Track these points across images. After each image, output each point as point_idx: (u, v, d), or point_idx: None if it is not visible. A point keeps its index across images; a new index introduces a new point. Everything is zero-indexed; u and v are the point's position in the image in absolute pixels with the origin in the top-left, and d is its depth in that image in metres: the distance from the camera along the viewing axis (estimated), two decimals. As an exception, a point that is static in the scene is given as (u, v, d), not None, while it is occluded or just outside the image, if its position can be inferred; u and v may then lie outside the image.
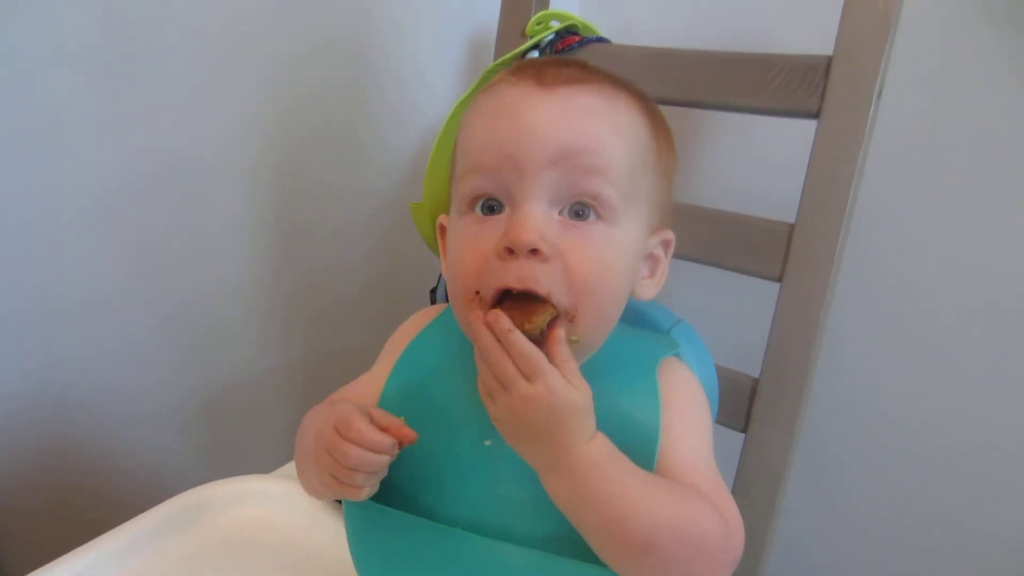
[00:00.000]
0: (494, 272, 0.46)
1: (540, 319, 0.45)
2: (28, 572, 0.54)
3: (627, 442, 0.47)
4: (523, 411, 0.43)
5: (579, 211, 0.47)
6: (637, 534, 0.43)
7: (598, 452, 0.44)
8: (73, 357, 0.83)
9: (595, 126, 0.48)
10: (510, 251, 0.46)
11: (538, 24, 0.80)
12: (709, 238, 0.70)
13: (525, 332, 0.44)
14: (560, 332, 0.45)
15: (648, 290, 0.54)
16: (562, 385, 0.43)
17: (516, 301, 0.46)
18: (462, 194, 0.50)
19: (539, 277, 0.46)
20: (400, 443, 0.47)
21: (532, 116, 0.47)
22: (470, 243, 0.48)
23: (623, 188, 0.48)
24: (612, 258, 0.48)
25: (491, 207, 0.48)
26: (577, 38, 0.80)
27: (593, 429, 0.45)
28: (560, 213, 0.47)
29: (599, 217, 0.48)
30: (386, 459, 0.47)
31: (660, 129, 0.53)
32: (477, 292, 0.47)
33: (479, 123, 0.50)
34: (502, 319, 0.44)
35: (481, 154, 0.48)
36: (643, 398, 0.51)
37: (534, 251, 0.45)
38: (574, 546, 0.46)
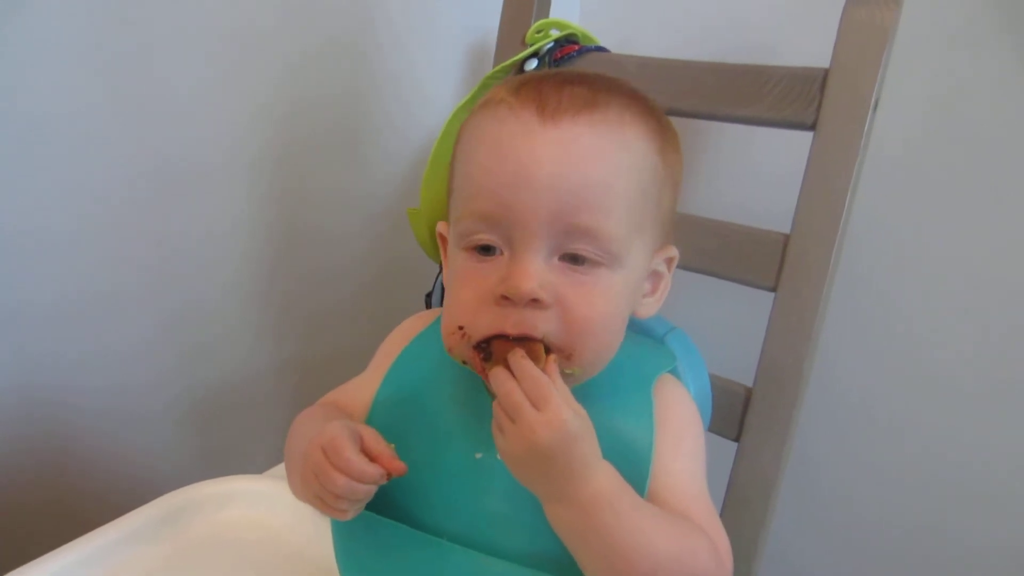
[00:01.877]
0: (489, 316, 0.46)
1: (541, 355, 0.45)
2: (12, 569, 0.54)
3: (619, 462, 0.47)
4: (531, 440, 0.42)
5: (578, 258, 0.47)
6: (640, 569, 0.43)
7: (608, 486, 0.44)
8: (66, 356, 0.83)
9: (598, 172, 0.46)
10: (507, 299, 0.45)
11: (538, 32, 0.81)
12: (704, 247, 0.71)
13: None
14: (554, 364, 0.45)
15: (649, 308, 0.53)
16: (569, 414, 0.42)
17: (508, 340, 0.46)
18: (459, 232, 0.49)
19: (537, 323, 0.45)
20: (389, 475, 0.46)
21: (533, 163, 0.45)
22: (467, 281, 0.48)
23: (625, 232, 0.47)
24: (611, 301, 0.48)
25: (487, 247, 0.48)
26: (576, 47, 0.80)
27: (599, 456, 0.44)
28: (560, 259, 0.47)
29: (599, 263, 0.47)
30: (373, 488, 0.47)
31: (668, 143, 0.52)
32: (461, 328, 0.47)
33: (479, 157, 0.48)
34: (517, 352, 0.44)
35: (480, 200, 0.47)
36: (637, 418, 0.50)
37: (534, 300, 0.45)
38: (560, 566, 0.46)
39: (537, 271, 0.45)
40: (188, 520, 0.62)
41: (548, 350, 0.46)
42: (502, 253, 0.47)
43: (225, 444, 1.00)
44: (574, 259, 0.46)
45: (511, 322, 0.45)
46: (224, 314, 0.95)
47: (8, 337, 0.78)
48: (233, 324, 0.97)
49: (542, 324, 0.45)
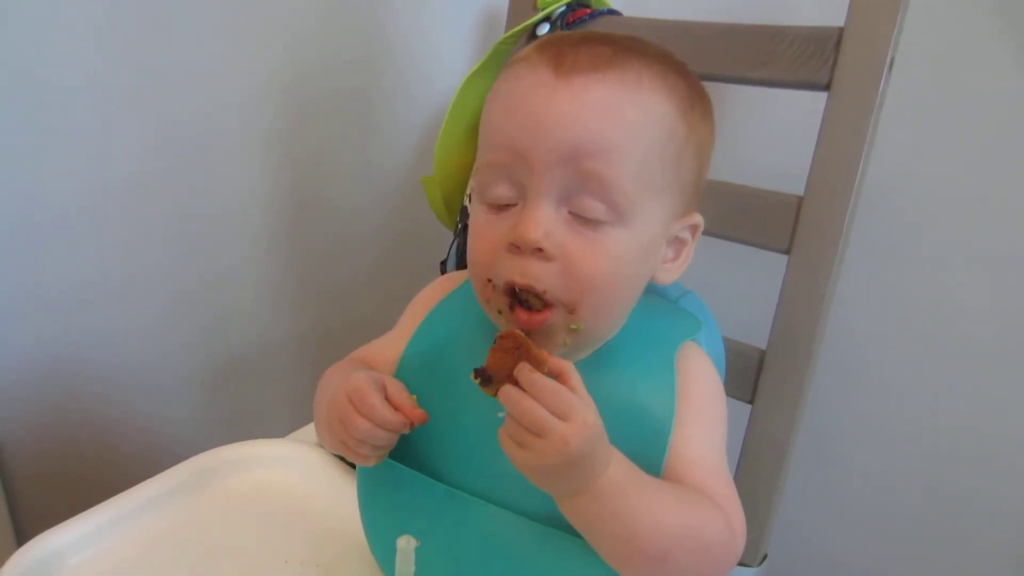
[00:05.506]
0: (502, 265, 0.47)
1: (536, 355, 0.44)
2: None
3: (638, 432, 0.47)
4: (565, 451, 0.41)
5: (586, 212, 0.47)
6: (654, 548, 0.44)
7: (619, 471, 0.44)
8: (91, 333, 0.85)
9: (607, 126, 0.46)
10: (517, 247, 0.46)
11: (549, -4, 0.80)
12: (718, 210, 0.70)
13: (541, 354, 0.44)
14: (555, 359, 0.44)
15: (669, 274, 0.53)
16: (593, 415, 0.43)
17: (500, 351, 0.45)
18: (478, 185, 0.50)
19: (540, 275, 0.46)
20: (411, 424, 0.48)
21: (543, 112, 0.46)
22: (483, 232, 0.49)
23: (634, 189, 0.47)
24: (618, 259, 0.47)
25: (505, 205, 0.48)
26: (588, 10, 0.80)
27: (609, 445, 0.44)
28: (570, 212, 0.47)
29: (607, 219, 0.47)
30: (395, 436, 0.48)
31: (693, 107, 0.51)
32: (490, 280, 0.48)
33: (496, 109, 0.50)
34: (524, 367, 0.43)
35: (495, 149, 0.48)
36: (659, 387, 0.50)
37: (539, 249, 0.45)
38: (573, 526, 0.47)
39: (545, 219, 0.46)
40: (212, 482, 0.64)
41: (556, 336, 0.46)
42: (516, 204, 0.48)
43: (247, 412, 1.02)
44: (585, 218, 0.47)
45: (518, 271, 0.46)
46: (242, 286, 0.96)
47: (33, 317, 0.80)
48: (251, 295, 0.98)
49: (545, 277, 0.46)
